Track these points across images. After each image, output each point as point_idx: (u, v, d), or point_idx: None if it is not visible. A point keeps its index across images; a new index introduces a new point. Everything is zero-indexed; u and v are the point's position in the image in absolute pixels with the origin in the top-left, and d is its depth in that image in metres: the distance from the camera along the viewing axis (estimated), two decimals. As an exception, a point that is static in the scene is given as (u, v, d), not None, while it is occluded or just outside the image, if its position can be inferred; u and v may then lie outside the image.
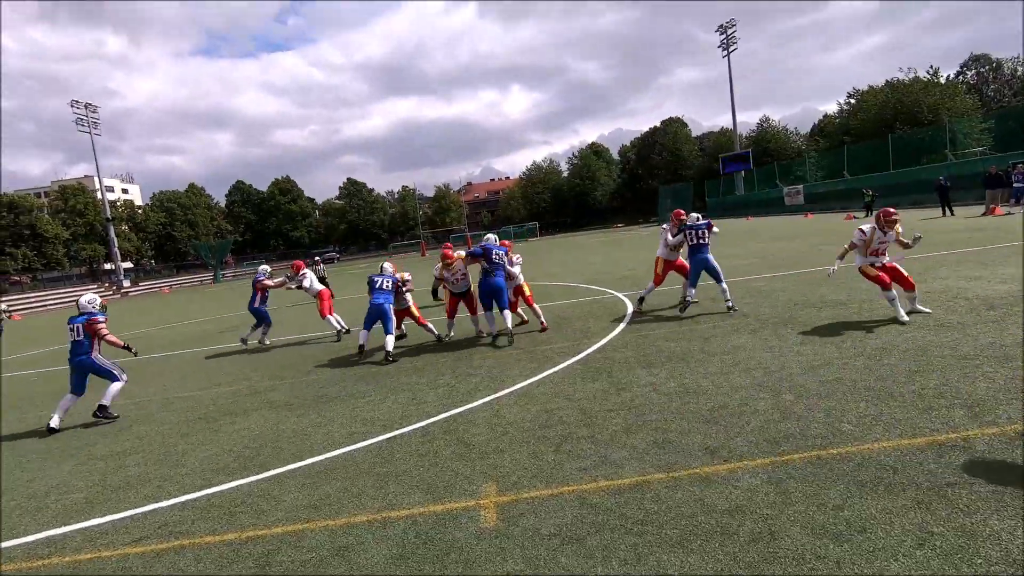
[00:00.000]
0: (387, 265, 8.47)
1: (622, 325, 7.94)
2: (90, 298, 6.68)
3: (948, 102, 44.35)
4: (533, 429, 4.36)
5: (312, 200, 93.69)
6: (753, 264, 12.96)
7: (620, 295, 10.75)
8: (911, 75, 48.95)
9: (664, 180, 74.29)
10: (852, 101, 57.00)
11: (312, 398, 6.18)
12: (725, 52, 57.69)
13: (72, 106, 51.07)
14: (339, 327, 10.11)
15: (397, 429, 4.75)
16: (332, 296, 11.88)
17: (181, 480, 4.24)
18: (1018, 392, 3.85)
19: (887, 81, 51.36)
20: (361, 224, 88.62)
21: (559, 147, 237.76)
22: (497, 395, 5.37)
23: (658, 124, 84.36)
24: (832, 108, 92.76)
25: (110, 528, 3.60)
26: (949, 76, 53.91)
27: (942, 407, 3.78)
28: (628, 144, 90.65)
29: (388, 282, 8.00)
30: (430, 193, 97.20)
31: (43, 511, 4.01)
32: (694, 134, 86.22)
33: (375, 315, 7.81)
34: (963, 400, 3.84)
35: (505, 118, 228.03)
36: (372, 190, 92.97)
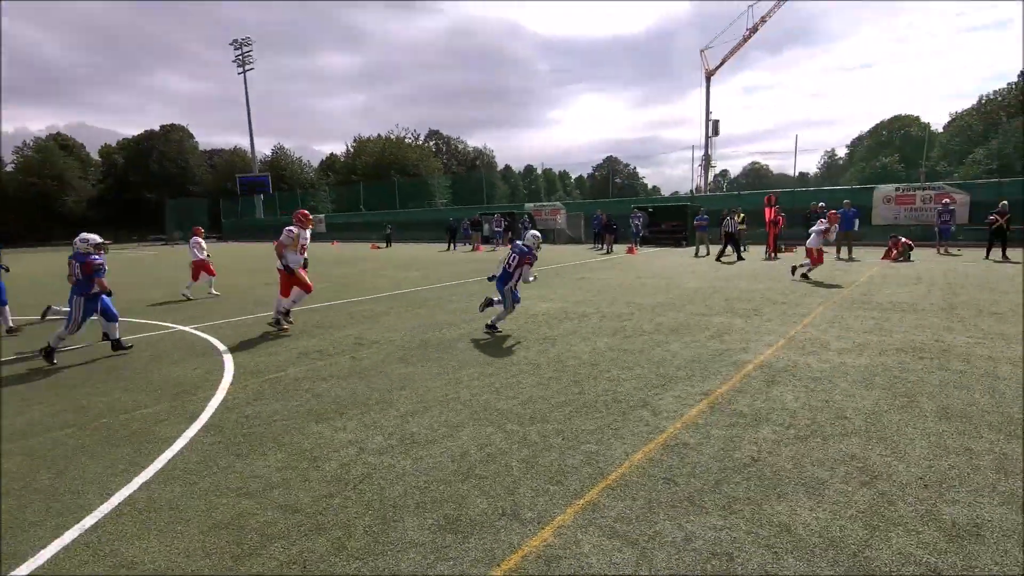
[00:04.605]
0: None
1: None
2: None
3: (424, 161, 57.39)
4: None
5: None
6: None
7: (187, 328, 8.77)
8: (399, 133, 61.31)
9: (169, 194, 64.96)
10: (356, 145, 65.56)
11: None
12: (241, 69, 56.05)
13: None
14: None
15: None
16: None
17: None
18: None
19: (379, 135, 62.73)
20: None
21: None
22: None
23: (156, 128, 73.17)
24: (339, 148, 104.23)
25: None
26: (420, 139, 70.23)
27: None
28: (114, 144, 74.51)
29: None
30: None
31: None
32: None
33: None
34: None
35: None
36: None
